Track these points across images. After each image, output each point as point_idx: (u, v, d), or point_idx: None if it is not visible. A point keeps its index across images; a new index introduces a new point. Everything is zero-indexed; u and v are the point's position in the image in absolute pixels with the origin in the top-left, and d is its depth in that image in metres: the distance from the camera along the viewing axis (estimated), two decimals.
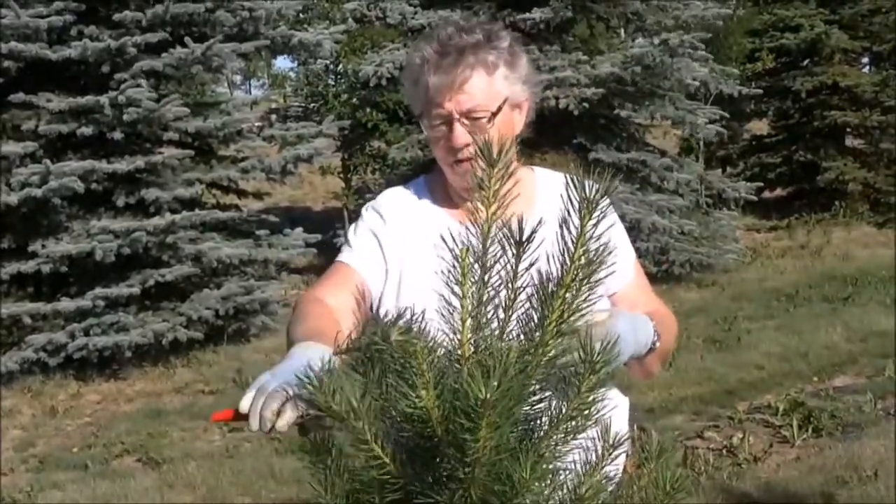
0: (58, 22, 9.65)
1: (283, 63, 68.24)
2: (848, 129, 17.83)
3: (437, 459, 1.27)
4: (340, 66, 14.64)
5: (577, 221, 1.35)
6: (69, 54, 9.64)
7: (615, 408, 2.21)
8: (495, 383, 1.16)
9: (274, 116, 15.78)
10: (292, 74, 17.67)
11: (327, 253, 13.48)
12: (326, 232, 12.99)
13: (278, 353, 8.35)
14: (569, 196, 1.40)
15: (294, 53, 12.18)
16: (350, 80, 14.29)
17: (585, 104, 12.14)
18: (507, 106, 2.14)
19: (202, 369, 9.69)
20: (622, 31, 14.01)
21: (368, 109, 13.76)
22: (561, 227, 1.72)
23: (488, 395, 1.16)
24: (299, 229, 11.11)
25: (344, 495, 1.35)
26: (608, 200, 2.29)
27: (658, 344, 2.14)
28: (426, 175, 2.39)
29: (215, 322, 9.96)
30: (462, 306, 1.32)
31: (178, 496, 6.38)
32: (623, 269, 2.30)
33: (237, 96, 15.52)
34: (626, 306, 2.27)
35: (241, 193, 11.55)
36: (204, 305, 9.82)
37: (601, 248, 1.38)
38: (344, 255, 2.31)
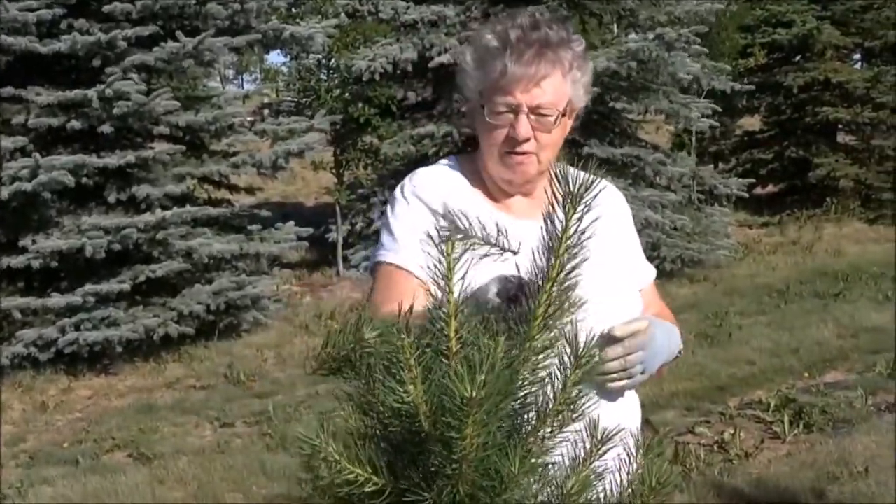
0: (47, 15, 9.62)
1: (275, 58, 68.17)
2: (839, 126, 17.85)
3: (425, 455, 1.26)
4: (333, 60, 14.59)
5: (561, 215, 1.33)
6: (59, 48, 9.60)
7: (632, 405, 2.26)
8: (481, 380, 1.15)
9: (266, 111, 15.74)
10: (284, 69, 17.62)
11: (319, 248, 13.52)
12: (319, 227, 12.99)
13: (270, 348, 8.40)
14: (553, 190, 1.37)
15: (286, 47, 12.16)
16: (342, 75, 14.26)
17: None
18: (569, 109, 2.13)
19: (193, 364, 9.68)
20: (615, 26, 14.00)
21: (361, 104, 13.71)
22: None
23: (474, 394, 1.15)
24: (291, 224, 11.09)
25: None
26: (624, 199, 2.31)
27: (682, 352, 2.22)
28: (457, 156, 2.31)
29: (206, 317, 9.94)
30: (449, 301, 1.30)
31: (169, 492, 6.36)
32: (642, 268, 2.37)
33: (229, 90, 15.46)
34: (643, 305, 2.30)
35: (233, 188, 11.53)
36: (195, 300, 9.80)
37: (584, 243, 1.39)
38: (393, 256, 2.13)
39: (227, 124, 10.62)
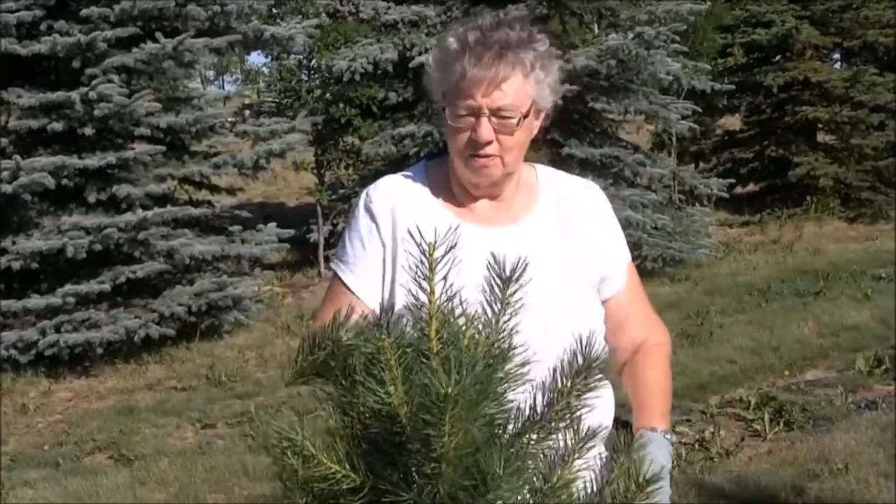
0: (27, 17, 9.57)
1: (256, 59, 67.94)
2: (819, 125, 17.93)
3: (405, 455, 1.27)
4: (313, 61, 14.57)
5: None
6: (39, 49, 9.56)
7: (600, 398, 2.24)
8: (456, 378, 1.16)
9: (247, 112, 15.71)
10: (265, 70, 17.57)
11: (301, 249, 13.49)
12: (300, 228, 12.97)
13: (251, 350, 8.36)
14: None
15: (266, 48, 12.15)
16: (323, 76, 14.24)
17: (559, 101, 12.14)
18: (534, 110, 2.11)
19: (175, 366, 9.65)
20: (595, 26, 14.02)
21: (342, 105, 13.70)
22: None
23: (450, 390, 1.16)
24: (272, 225, 11.08)
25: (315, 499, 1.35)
26: (605, 199, 2.29)
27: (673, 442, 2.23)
28: (428, 161, 2.32)
29: (188, 318, 9.91)
30: (430, 301, 1.31)
31: (150, 493, 6.34)
32: (615, 274, 2.29)
33: (210, 91, 15.42)
34: (618, 315, 2.28)
35: (214, 189, 11.50)
36: (176, 302, 9.77)
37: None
38: (342, 272, 2.21)
39: (207, 125, 10.59)
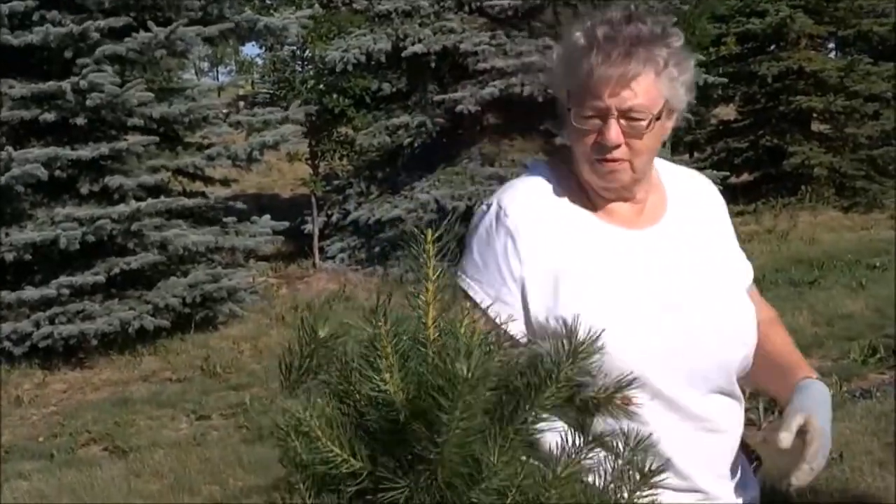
0: (20, 6, 9.54)
1: (250, 50, 67.79)
2: (813, 114, 17.93)
3: (402, 444, 1.26)
4: (307, 51, 14.55)
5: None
6: (31, 39, 9.52)
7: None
8: (473, 362, 1.16)
9: (242, 103, 15.69)
10: (259, 61, 17.53)
11: (296, 240, 13.48)
12: (295, 219, 12.96)
13: (246, 341, 8.33)
14: None
15: (260, 38, 12.13)
16: (317, 66, 14.22)
17: (551, 91, 12.15)
18: (666, 111, 1.93)
19: (169, 357, 9.64)
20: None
21: (335, 95, 13.69)
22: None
23: (469, 374, 1.15)
24: (267, 216, 11.06)
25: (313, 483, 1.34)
26: (712, 186, 2.20)
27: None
28: (548, 162, 2.11)
29: (182, 310, 9.90)
30: (427, 289, 1.30)
31: (145, 485, 6.34)
32: (745, 266, 2.17)
33: (203, 82, 15.40)
34: (757, 311, 2.13)
35: (208, 180, 11.47)
36: (171, 293, 9.76)
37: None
38: (474, 292, 1.96)
39: (201, 116, 10.57)
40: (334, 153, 14.78)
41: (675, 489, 1.87)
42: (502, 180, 12.09)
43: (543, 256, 1.92)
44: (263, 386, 8.50)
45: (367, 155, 14.21)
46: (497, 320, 1.85)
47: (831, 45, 20.95)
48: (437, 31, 12.86)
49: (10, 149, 9.16)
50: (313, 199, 13.67)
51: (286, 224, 11.30)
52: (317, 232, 13.47)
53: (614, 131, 1.88)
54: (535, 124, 12.94)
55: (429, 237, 1.29)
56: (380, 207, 12.77)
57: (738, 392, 2.05)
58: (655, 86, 1.89)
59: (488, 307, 1.86)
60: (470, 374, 1.15)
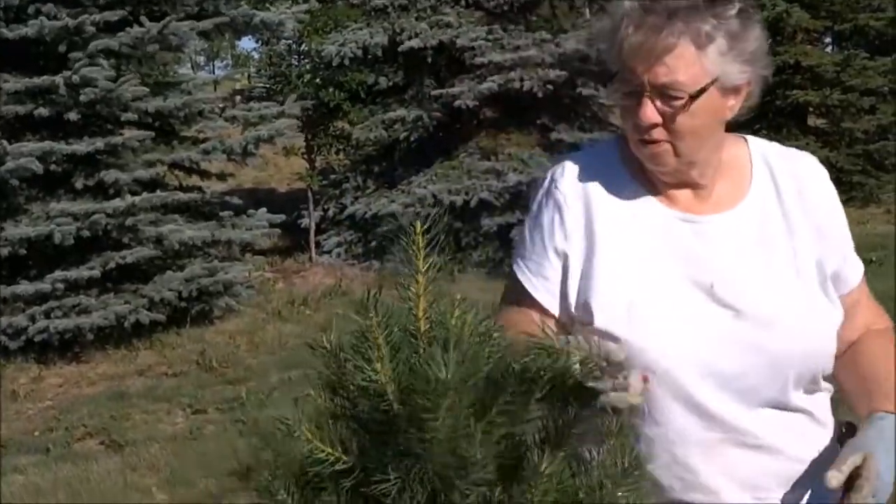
0: (14, 0, 9.52)
1: (246, 44, 67.78)
2: (810, 109, 17.94)
3: (394, 434, 1.26)
4: (303, 45, 14.53)
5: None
6: (26, 33, 9.50)
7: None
8: (453, 362, 1.15)
9: (238, 97, 15.67)
10: (255, 55, 17.52)
11: (292, 234, 13.46)
12: (291, 213, 12.94)
13: (242, 335, 8.33)
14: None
15: (256, 33, 12.10)
16: (313, 60, 14.21)
17: (549, 86, 12.17)
18: (716, 89, 1.73)
19: (165, 351, 9.63)
20: (587, 10, 14.02)
21: (332, 89, 13.68)
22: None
23: (447, 376, 1.15)
24: (263, 211, 11.04)
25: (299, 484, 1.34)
26: (826, 173, 1.99)
27: None
28: (619, 139, 1.94)
29: (178, 304, 9.88)
30: (418, 281, 1.30)
31: (141, 479, 6.34)
32: (847, 267, 1.93)
33: (199, 76, 15.38)
34: (858, 318, 1.92)
35: (204, 175, 11.46)
36: (167, 287, 9.74)
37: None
38: (520, 271, 1.90)
39: (196, 110, 10.55)
40: (331, 147, 14.76)
41: (697, 503, 1.78)
42: (499, 175, 12.17)
43: (585, 233, 1.84)
44: (259, 380, 8.51)
45: (363, 149, 14.19)
46: (537, 299, 1.85)
47: (828, 40, 20.93)
48: (434, 26, 12.85)
49: (4, 143, 9.14)
50: (310, 194, 13.66)
51: (282, 218, 11.28)
52: (313, 226, 13.46)
53: (647, 110, 1.73)
54: (533, 119, 12.95)
55: (418, 229, 1.29)
56: (376, 202, 12.77)
57: (812, 407, 1.85)
58: (698, 61, 1.70)
59: (533, 288, 1.85)
60: (449, 377, 1.15)
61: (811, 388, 1.85)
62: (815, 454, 1.84)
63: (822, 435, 1.88)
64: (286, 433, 1.30)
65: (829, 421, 1.90)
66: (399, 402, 1.23)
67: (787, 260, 1.83)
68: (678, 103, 1.71)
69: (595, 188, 1.86)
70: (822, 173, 1.98)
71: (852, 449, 1.71)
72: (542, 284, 1.85)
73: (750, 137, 1.97)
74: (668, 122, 1.73)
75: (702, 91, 1.71)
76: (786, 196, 1.89)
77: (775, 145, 2.00)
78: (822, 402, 1.89)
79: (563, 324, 1.82)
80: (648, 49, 1.69)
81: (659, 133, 1.75)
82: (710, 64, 1.71)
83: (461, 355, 1.17)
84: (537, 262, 1.87)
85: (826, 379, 1.89)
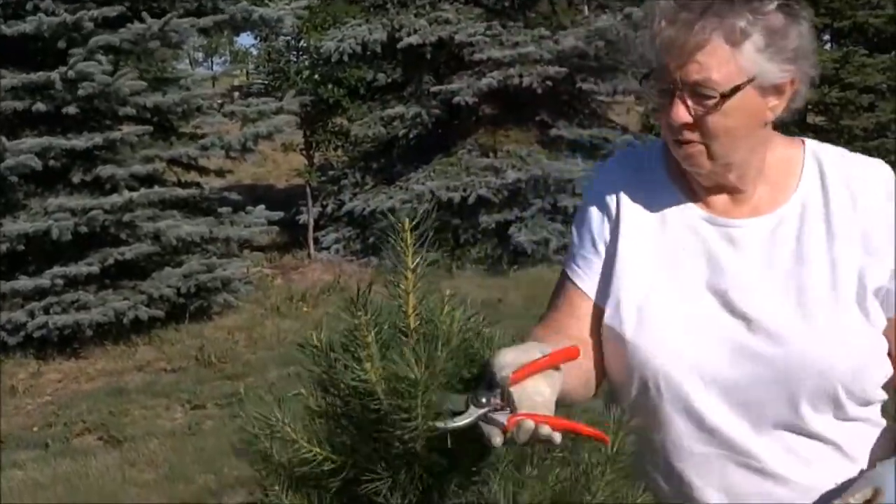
0: None
1: (245, 40, 67.58)
2: (809, 106, 17.91)
3: (383, 433, 1.27)
4: (302, 42, 14.52)
5: None
6: (25, 29, 9.50)
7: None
8: (428, 360, 1.16)
9: (236, 93, 15.65)
10: (254, 51, 17.48)
11: (290, 230, 13.46)
12: (289, 209, 12.94)
13: (241, 331, 8.33)
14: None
15: (255, 29, 12.09)
16: (312, 57, 14.19)
17: (548, 83, 12.16)
18: (753, 88, 1.65)
19: (164, 347, 9.63)
20: (585, 7, 14.02)
21: (330, 86, 13.67)
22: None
23: (419, 377, 1.15)
24: (261, 207, 11.04)
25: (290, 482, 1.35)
26: (882, 177, 1.78)
27: None
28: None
29: (177, 300, 9.88)
30: (407, 277, 1.31)
31: (140, 474, 6.36)
32: None
33: (197, 72, 15.38)
34: None
35: (203, 171, 11.46)
36: (165, 283, 9.74)
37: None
38: (569, 268, 1.88)
39: (195, 106, 10.55)
40: (329, 144, 14.75)
41: None
42: (498, 172, 12.17)
43: (611, 233, 1.82)
44: (258, 376, 8.52)
45: (362, 146, 14.18)
46: (589, 295, 1.82)
47: (826, 37, 20.89)
48: (433, 22, 12.84)
49: (3, 139, 9.14)
50: (308, 190, 13.65)
51: (281, 214, 11.29)
52: (311, 222, 13.45)
53: (678, 109, 1.66)
54: (532, 115, 12.95)
55: (406, 226, 1.29)
56: (375, 198, 12.76)
57: (838, 437, 1.72)
58: (732, 58, 1.63)
59: (583, 284, 1.82)
60: (419, 377, 1.15)
61: (839, 413, 1.71)
62: (832, 486, 1.72)
63: (846, 468, 1.74)
64: (269, 433, 1.30)
65: (863, 455, 1.75)
66: (389, 401, 1.24)
67: (823, 271, 1.71)
68: (710, 102, 1.64)
69: (629, 188, 1.83)
70: (887, 185, 1.78)
71: (866, 482, 1.64)
72: (592, 280, 1.83)
73: (809, 140, 1.86)
74: (700, 122, 1.67)
75: (735, 90, 1.63)
76: (834, 203, 1.75)
77: (839, 150, 1.86)
78: (855, 433, 1.75)
79: (600, 308, 1.80)
80: (680, 45, 1.63)
81: (690, 133, 1.68)
82: (745, 62, 1.63)
83: (447, 353, 1.18)
84: (583, 253, 1.84)
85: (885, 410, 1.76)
